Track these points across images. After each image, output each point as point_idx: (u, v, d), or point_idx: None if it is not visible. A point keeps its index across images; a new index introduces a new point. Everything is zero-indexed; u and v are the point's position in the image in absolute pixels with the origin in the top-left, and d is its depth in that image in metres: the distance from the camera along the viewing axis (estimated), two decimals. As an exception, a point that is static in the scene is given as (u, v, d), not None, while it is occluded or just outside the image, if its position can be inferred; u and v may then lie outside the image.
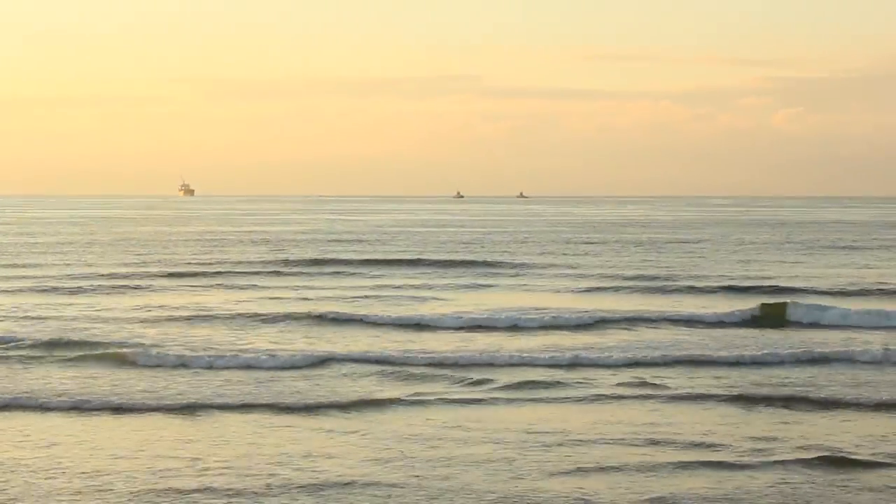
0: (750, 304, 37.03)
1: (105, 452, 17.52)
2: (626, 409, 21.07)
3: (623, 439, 18.34)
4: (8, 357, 26.48)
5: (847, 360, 26.62)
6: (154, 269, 52.25)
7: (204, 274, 50.09)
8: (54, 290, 42.55)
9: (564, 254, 66.48)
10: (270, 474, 16.14)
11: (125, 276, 48.45)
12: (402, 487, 15.51)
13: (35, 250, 67.87)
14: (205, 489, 15.40)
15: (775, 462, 16.91)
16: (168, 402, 21.37)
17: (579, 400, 21.87)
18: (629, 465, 16.69)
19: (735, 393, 22.30)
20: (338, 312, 34.89)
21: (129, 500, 14.96)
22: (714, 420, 20.03)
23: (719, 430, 19.10)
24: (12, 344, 28.17)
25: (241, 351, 27.31)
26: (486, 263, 57.52)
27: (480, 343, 29.30)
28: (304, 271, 52.59)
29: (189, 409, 20.89)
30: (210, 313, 34.92)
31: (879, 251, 69.59)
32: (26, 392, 22.08)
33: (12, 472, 16.33)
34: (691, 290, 43.80)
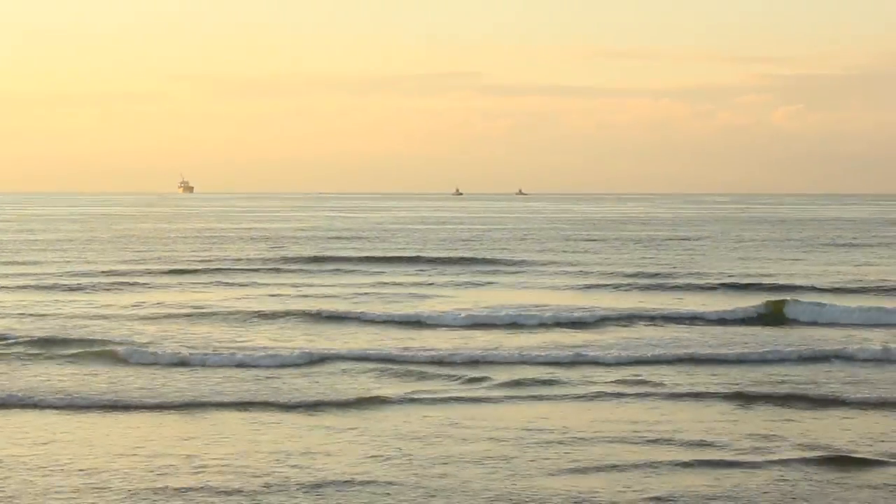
0: (749, 301, 37.00)
1: (102, 450, 17.48)
2: (626, 407, 21.03)
3: (622, 437, 18.30)
4: (6, 354, 26.43)
5: (846, 357, 26.58)
6: (153, 266, 52.21)
7: (203, 271, 50.04)
8: (53, 287, 42.51)
9: (564, 251, 66.44)
10: (268, 472, 16.10)
11: (124, 273, 48.41)
12: (400, 485, 15.47)
13: (35, 247, 67.83)
14: (202, 487, 15.36)
15: (775, 460, 16.87)
16: (166, 400, 21.33)
17: (579, 398, 21.84)
18: (628, 463, 16.65)
19: (734, 391, 22.26)
20: (337, 310, 34.85)
21: (126, 498, 14.91)
22: (713, 418, 19.98)
23: (719, 428, 19.06)
24: (11, 341, 28.13)
25: (239, 348, 27.26)
26: (485, 261, 57.47)
27: (480, 341, 29.27)
28: (303, 268, 52.54)
29: (187, 406, 20.85)
30: (209, 310, 34.89)
31: (879, 248, 69.55)
32: (24, 389, 22.04)
33: (9, 469, 16.28)
34: (691, 287, 43.76)
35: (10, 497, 14.91)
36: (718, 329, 31.99)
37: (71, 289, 41.93)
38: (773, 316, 34.17)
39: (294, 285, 44.03)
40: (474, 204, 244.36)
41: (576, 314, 33.96)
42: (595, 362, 25.91)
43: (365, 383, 23.22)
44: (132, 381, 23.24)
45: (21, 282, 44.37)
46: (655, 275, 48.94)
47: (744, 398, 21.65)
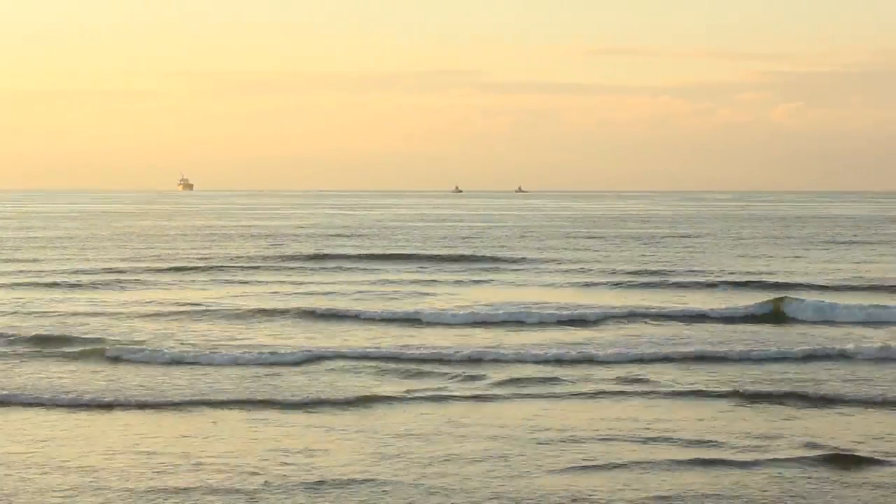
0: (750, 299, 36.97)
1: (100, 448, 17.44)
2: (626, 405, 20.99)
3: (622, 436, 18.26)
4: (5, 352, 26.40)
5: (846, 356, 26.53)
6: (153, 264, 52.18)
7: (203, 269, 50.03)
8: (53, 284, 42.46)
9: (564, 248, 66.41)
10: (267, 471, 16.06)
11: (124, 271, 48.39)
12: (399, 484, 15.43)
13: (34, 245, 67.80)
14: (201, 486, 15.32)
15: (774, 459, 16.83)
16: (164, 398, 21.29)
17: (579, 396, 21.79)
18: (628, 462, 16.61)
19: (734, 389, 22.21)
20: (336, 308, 34.81)
21: (124, 496, 14.87)
22: (713, 416, 19.95)
23: (718, 427, 19.02)
24: (10, 338, 28.09)
25: (238, 346, 27.23)
26: (485, 258, 57.44)
27: (479, 339, 29.22)
28: (303, 266, 52.53)
29: (186, 404, 20.81)
30: (209, 308, 34.85)
31: (880, 246, 69.53)
32: (22, 387, 22.02)
33: (7, 467, 16.25)
34: (691, 285, 43.73)
35: (7, 495, 14.88)
36: (718, 327, 31.95)
37: (70, 286, 41.90)
38: (773, 314, 34.13)
39: (294, 283, 44.02)
40: (474, 201, 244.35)
41: (576, 312, 33.93)
42: (595, 360, 25.85)
43: (364, 381, 23.17)
44: (131, 379, 23.20)
45: (20, 279, 44.33)
46: (655, 272, 48.90)
47: (743, 396, 21.61)
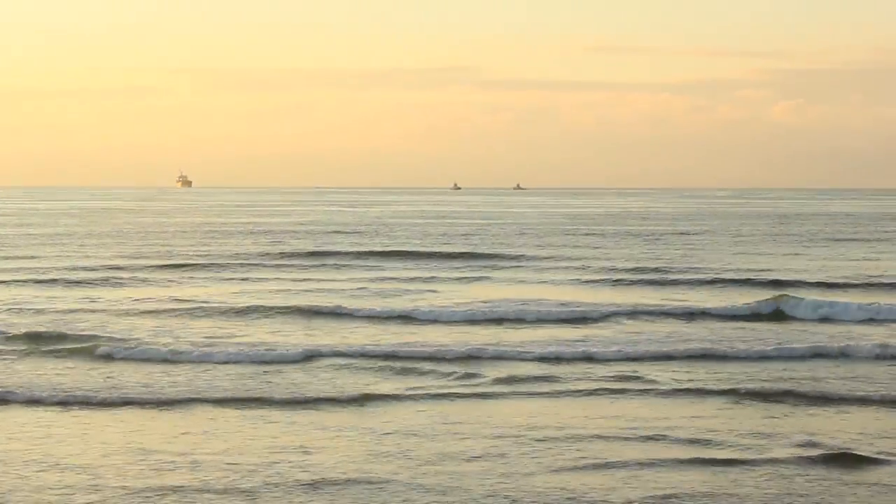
0: (749, 297, 36.94)
1: (98, 446, 17.39)
2: (625, 403, 20.93)
3: (621, 434, 18.21)
4: (2, 350, 26.34)
5: (846, 354, 26.48)
6: (152, 262, 52.12)
7: (202, 266, 49.96)
8: (51, 281, 42.42)
9: (563, 246, 66.35)
10: (264, 469, 16.01)
11: (123, 268, 48.33)
12: (397, 483, 15.38)
13: (33, 242, 67.74)
14: (199, 484, 15.27)
15: (773, 458, 16.78)
16: (162, 396, 21.24)
17: (577, 394, 21.74)
18: (627, 460, 16.55)
19: (734, 387, 22.14)
20: (334, 305, 34.73)
21: (122, 494, 14.82)
22: (712, 415, 19.89)
23: (717, 425, 18.96)
24: (7, 335, 28.02)
25: (236, 344, 27.17)
26: (484, 255, 57.38)
27: (478, 336, 29.17)
28: (301, 263, 52.47)
29: (183, 402, 20.76)
30: (207, 305, 34.81)
31: (879, 243, 69.48)
32: (20, 385, 21.96)
33: (5, 465, 16.20)
34: (691, 282, 43.66)
35: (4, 493, 14.83)
36: (718, 325, 31.90)
37: (69, 283, 41.85)
38: (772, 312, 34.06)
39: (292, 280, 43.97)
40: (473, 198, 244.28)
41: (575, 309, 33.87)
42: (595, 358, 25.80)
43: (362, 379, 23.12)
44: (129, 377, 23.15)
45: (19, 276, 44.28)
46: (655, 270, 48.85)
47: (742, 395, 21.55)
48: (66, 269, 47.84)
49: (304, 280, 44.16)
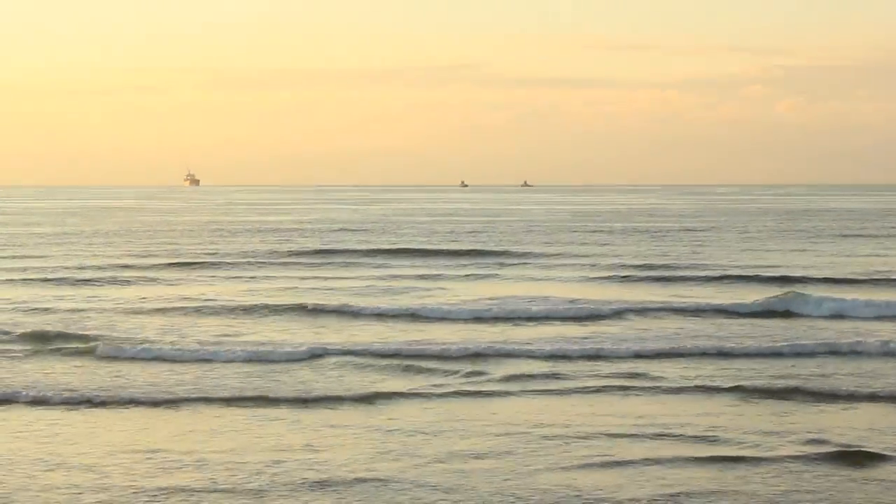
0: (756, 293, 36.85)
1: (103, 446, 17.37)
2: (633, 401, 20.88)
3: (628, 432, 18.15)
4: (9, 349, 26.34)
5: (854, 351, 26.40)
6: (159, 260, 52.14)
7: (209, 264, 49.98)
8: (58, 280, 42.43)
9: (571, 243, 66.29)
10: (271, 468, 15.98)
11: (130, 267, 48.37)
12: (403, 481, 15.34)
13: (40, 241, 67.78)
14: (205, 483, 15.25)
15: (782, 455, 16.73)
16: (168, 395, 21.21)
17: (584, 391, 21.68)
18: (634, 458, 16.51)
19: (741, 384, 22.08)
20: (341, 304, 34.70)
21: (128, 494, 14.80)
22: (720, 412, 19.84)
23: (725, 423, 18.91)
24: (15, 335, 28.01)
25: (243, 342, 27.15)
26: (492, 253, 57.34)
27: (486, 334, 29.12)
28: (309, 262, 52.45)
29: (189, 401, 20.73)
30: (214, 304, 34.81)
31: (887, 240, 69.34)
32: (26, 385, 21.95)
33: (11, 465, 16.19)
34: (697, 279, 43.58)
35: (12, 492, 14.82)
36: (725, 321, 31.83)
37: (76, 282, 41.87)
38: (780, 308, 33.96)
39: (300, 278, 43.95)
40: (480, 196, 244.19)
41: (582, 306, 33.81)
42: (600, 355, 25.75)
43: (369, 377, 23.09)
44: (135, 376, 23.13)
45: (25, 275, 44.31)
46: (662, 266, 48.78)
47: (750, 391, 21.49)
48: (73, 268, 47.86)
49: (312, 278, 44.14)
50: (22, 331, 28.53)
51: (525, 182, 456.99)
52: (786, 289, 37.36)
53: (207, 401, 20.78)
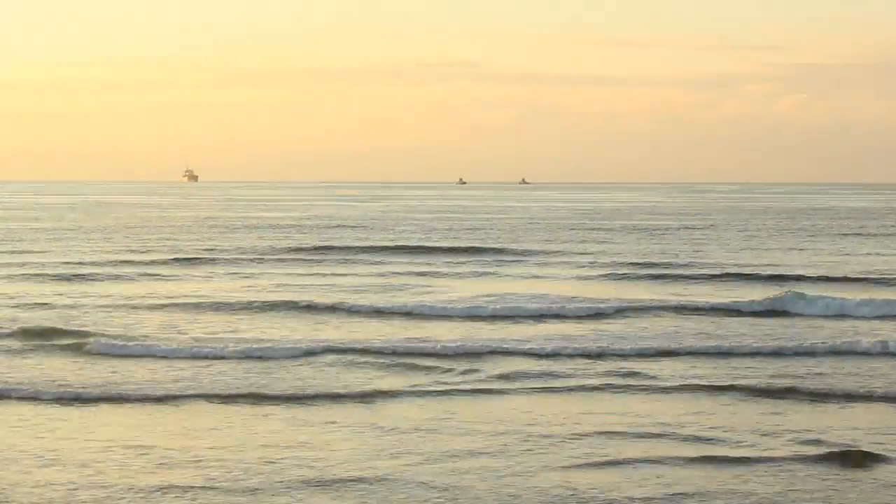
0: (756, 292, 36.84)
1: (100, 442, 17.33)
2: (628, 399, 20.85)
3: (624, 431, 18.12)
4: (2, 345, 26.28)
5: (852, 350, 26.36)
6: (156, 256, 52.09)
7: (206, 260, 49.93)
8: (56, 276, 42.36)
9: (570, 240, 66.26)
10: (267, 465, 15.95)
11: (129, 263, 48.31)
12: (400, 479, 15.31)
13: (39, 236, 67.73)
14: (201, 480, 15.21)
15: (778, 455, 16.70)
16: (164, 391, 21.16)
17: (580, 390, 21.65)
18: (630, 457, 16.48)
19: (738, 384, 22.05)
20: (339, 301, 34.65)
21: (124, 491, 14.76)
22: (717, 412, 19.81)
23: (722, 422, 18.88)
24: (12, 330, 27.96)
25: (239, 339, 27.11)
26: (490, 250, 57.30)
27: (483, 332, 29.08)
28: (307, 258, 52.40)
29: (185, 398, 20.69)
30: (211, 300, 34.74)
31: (888, 238, 69.33)
32: (22, 380, 21.91)
33: (7, 461, 16.15)
34: (697, 278, 43.55)
35: (7, 488, 14.78)
36: (723, 320, 31.80)
37: (74, 278, 41.80)
38: (778, 307, 33.93)
39: (298, 275, 43.89)
40: (478, 193, 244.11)
41: (580, 305, 33.77)
42: (597, 354, 25.70)
43: (366, 375, 23.05)
44: (131, 372, 23.09)
45: (24, 271, 44.24)
46: (660, 265, 48.75)
47: (748, 391, 21.46)
48: (71, 263, 47.80)
49: (309, 275, 44.09)
50: (18, 326, 28.47)
51: (523, 179, 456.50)
52: (785, 287, 37.32)
53: (204, 397, 20.73)
